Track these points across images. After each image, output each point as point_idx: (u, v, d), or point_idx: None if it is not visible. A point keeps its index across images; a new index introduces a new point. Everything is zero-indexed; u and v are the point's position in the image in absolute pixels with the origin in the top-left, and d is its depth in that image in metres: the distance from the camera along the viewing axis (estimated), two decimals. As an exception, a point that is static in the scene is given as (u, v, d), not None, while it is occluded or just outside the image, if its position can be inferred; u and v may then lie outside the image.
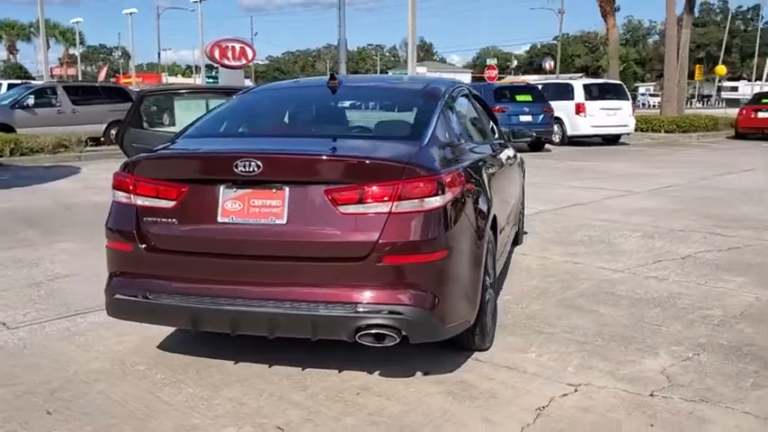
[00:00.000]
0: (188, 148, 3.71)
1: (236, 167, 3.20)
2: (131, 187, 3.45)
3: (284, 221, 3.20)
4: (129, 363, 3.86)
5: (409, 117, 3.97)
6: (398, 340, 3.16)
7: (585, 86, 20.15)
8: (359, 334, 3.14)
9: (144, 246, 3.40)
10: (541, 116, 17.91)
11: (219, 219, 3.28)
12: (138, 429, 3.09)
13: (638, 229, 7.62)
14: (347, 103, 4.39)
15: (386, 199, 3.10)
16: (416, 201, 3.12)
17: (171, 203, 3.36)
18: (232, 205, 3.27)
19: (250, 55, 33.92)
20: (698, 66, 44.08)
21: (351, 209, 3.14)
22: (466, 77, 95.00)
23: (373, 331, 3.12)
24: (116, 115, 17.32)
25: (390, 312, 3.10)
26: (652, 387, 3.51)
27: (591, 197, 10.21)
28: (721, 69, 42.75)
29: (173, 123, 5.81)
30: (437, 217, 3.17)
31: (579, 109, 19.31)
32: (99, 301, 4.84)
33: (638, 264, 6.08)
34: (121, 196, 3.50)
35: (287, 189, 3.21)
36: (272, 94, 4.74)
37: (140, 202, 3.42)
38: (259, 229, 3.23)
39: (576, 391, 3.47)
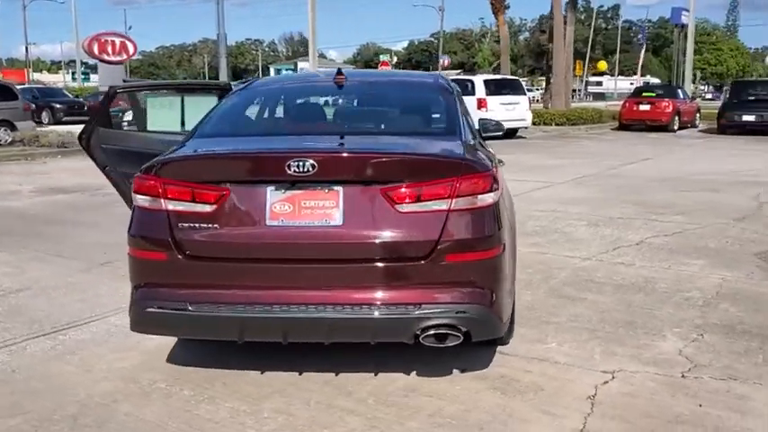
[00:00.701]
0: (225, 149, 3.46)
1: (289, 168, 3.03)
2: (160, 191, 3.18)
3: (340, 222, 3.07)
4: (144, 381, 3.59)
5: (436, 112, 3.92)
6: (461, 339, 3.12)
7: (486, 82, 20.73)
8: (423, 335, 3.07)
9: (182, 253, 3.15)
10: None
11: (268, 222, 3.10)
12: (195, 451, 2.89)
13: (582, 218, 7.94)
14: (365, 99, 4.27)
15: (445, 196, 3.04)
16: (473, 197, 3.09)
17: (211, 207, 3.13)
18: (281, 207, 3.10)
19: (131, 50, 32.40)
20: (578, 61, 46.49)
21: (410, 207, 3.05)
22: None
23: (437, 332, 3.06)
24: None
25: (454, 312, 3.05)
26: (679, 369, 3.66)
27: (517, 189, 10.46)
28: (602, 65, 45.37)
29: (145, 122, 5.44)
30: (491, 213, 3.16)
31: (481, 104, 19.82)
32: (72, 317, 4.54)
33: (600, 251, 6.33)
34: (146, 201, 3.23)
35: (341, 189, 3.07)
36: (282, 89, 4.55)
37: (172, 206, 3.17)
38: (313, 231, 3.08)
39: (613, 378, 3.56)
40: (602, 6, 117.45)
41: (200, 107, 5.01)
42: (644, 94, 24.76)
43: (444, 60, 46.31)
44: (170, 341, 4.04)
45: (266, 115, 4.16)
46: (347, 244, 3.07)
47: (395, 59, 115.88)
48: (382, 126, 3.95)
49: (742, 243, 6.61)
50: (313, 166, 3.01)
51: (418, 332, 3.06)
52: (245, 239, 3.13)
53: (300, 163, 3.02)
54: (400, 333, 3.10)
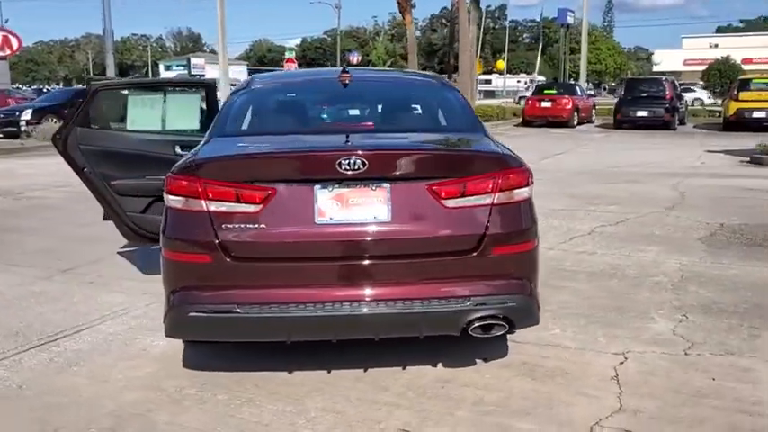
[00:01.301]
0: (269, 148, 3.38)
1: (340, 166, 3.03)
2: (200, 192, 3.10)
3: (388, 219, 3.10)
4: (169, 388, 3.48)
5: (453, 109, 3.99)
6: (507, 329, 3.24)
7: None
8: (471, 327, 3.16)
9: (227, 255, 3.09)
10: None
11: (317, 220, 3.09)
12: (260, 454, 2.85)
13: (528, 211, 8.25)
14: (380, 97, 4.29)
15: (488, 191, 3.15)
16: (512, 192, 3.21)
17: (257, 207, 3.08)
18: (330, 205, 3.10)
19: (15, 45, 30.55)
20: (499, 62, 47.97)
21: (455, 202, 3.13)
22: (241, 70, 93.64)
23: (485, 323, 3.16)
24: None
25: (501, 303, 3.16)
26: (680, 347, 3.94)
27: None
28: (500, 64, 46.90)
29: (124, 122, 5.17)
30: (528, 207, 3.29)
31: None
32: (57, 327, 4.33)
33: (559, 241, 6.63)
34: (184, 202, 3.14)
35: (388, 185, 3.11)
36: (295, 87, 4.49)
37: (215, 207, 3.10)
38: (362, 228, 3.10)
39: (626, 358, 3.78)
40: (489, 6, 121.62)
41: (182, 105, 4.89)
42: (545, 91, 25.90)
43: (354, 57, 46.11)
44: (176, 346, 3.93)
45: (287, 114, 4.11)
46: (396, 240, 3.11)
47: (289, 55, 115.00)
48: (408, 123, 3.98)
49: (683, 230, 7.10)
50: (363, 163, 3.03)
51: (467, 324, 3.14)
52: (294, 238, 3.10)
53: (351, 161, 3.03)
54: (450, 326, 3.18)
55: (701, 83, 46.23)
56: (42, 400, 3.37)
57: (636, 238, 6.77)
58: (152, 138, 4.91)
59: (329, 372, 3.63)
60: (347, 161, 3.03)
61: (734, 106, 22.18)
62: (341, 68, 4.12)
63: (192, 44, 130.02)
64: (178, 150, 4.84)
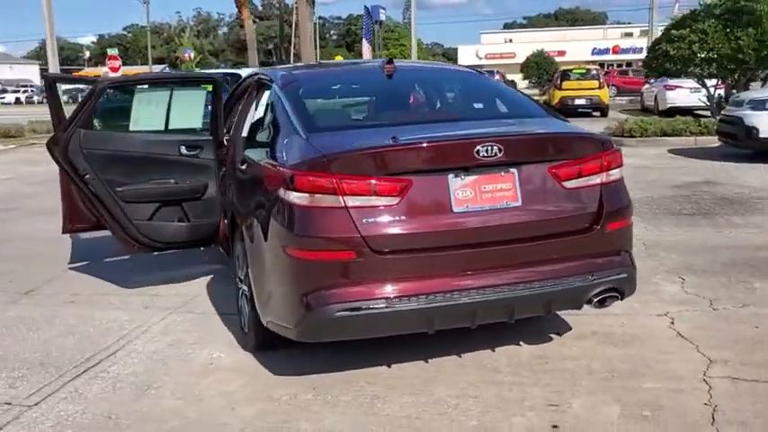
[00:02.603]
0: (404, 138, 3.27)
1: (478, 153, 3.07)
2: (336, 187, 2.98)
3: (519, 203, 3.19)
4: (283, 396, 3.31)
5: (516, 97, 4.11)
6: (618, 299, 3.46)
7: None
8: (593, 301, 3.34)
9: (370, 250, 3.00)
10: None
11: (455, 209, 3.10)
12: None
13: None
14: (445, 87, 4.27)
15: (598, 171, 3.34)
16: (613, 171, 3.42)
17: (395, 200, 3.03)
18: (463, 193, 3.11)
19: None
20: (338, 56, 48.01)
21: (574, 183, 3.29)
22: (33, 71, 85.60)
23: (603, 296, 3.35)
24: None
25: (617, 275, 3.37)
26: (704, 304, 4.40)
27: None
28: (339, 58, 47.21)
29: (127, 122, 4.59)
30: (624, 185, 3.53)
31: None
32: (77, 352, 3.94)
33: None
34: (318, 199, 3.00)
35: (515, 171, 3.19)
36: (349, 80, 4.33)
37: (353, 202, 2.99)
38: (496, 214, 3.16)
39: (671, 319, 4.16)
40: (295, 2, 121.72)
41: (187, 103, 4.59)
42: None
43: (188, 54, 43.77)
44: (243, 356, 3.78)
45: (364, 107, 4.00)
46: (528, 223, 3.21)
47: (87, 54, 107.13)
48: (486, 111, 4.01)
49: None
50: (499, 149, 3.09)
51: (589, 299, 3.32)
52: (435, 228, 3.09)
53: (488, 148, 3.08)
54: (576, 301, 3.34)
55: (520, 74, 49.61)
56: (152, 427, 3.07)
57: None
58: (157, 138, 4.53)
59: (427, 361, 3.64)
60: (485, 148, 3.07)
61: (558, 95, 24.18)
62: (383, 60, 4.09)
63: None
64: (183, 151, 4.53)
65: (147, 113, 4.54)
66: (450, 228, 3.11)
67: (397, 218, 3.03)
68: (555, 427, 2.96)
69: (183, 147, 4.51)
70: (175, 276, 5.29)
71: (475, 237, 3.14)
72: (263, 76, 4.35)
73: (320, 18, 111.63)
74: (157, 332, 4.22)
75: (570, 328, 4.04)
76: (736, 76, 14.43)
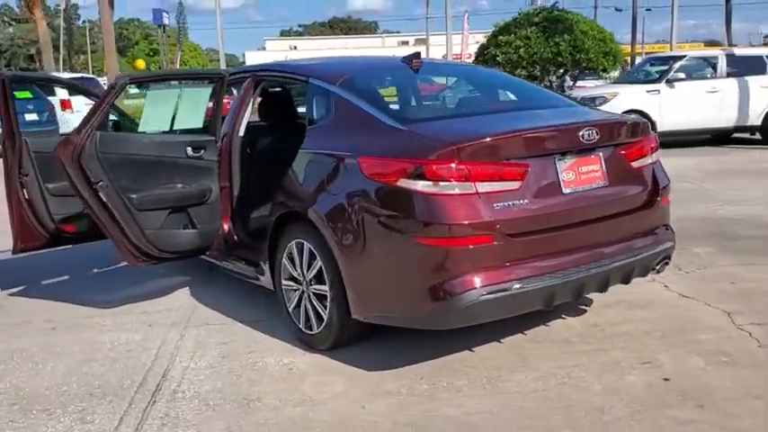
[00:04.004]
0: (515, 126, 3.32)
1: (582, 137, 3.31)
2: (468, 174, 3.05)
3: (606, 183, 3.48)
4: (401, 390, 3.30)
5: (539, 89, 4.37)
6: (667, 265, 3.88)
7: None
8: (655, 268, 3.73)
9: (501, 234, 3.11)
10: (46, 114, 16.15)
11: (564, 190, 3.31)
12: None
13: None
14: (488, 81, 4.40)
15: (649, 152, 3.74)
16: (656, 152, 3.85)
17: (518, 184, 3.16)
18: (567, 176, 3.33)
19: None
20: (139, 61, 44.84)
21: (638, 163, 3.66)
22: None
23: (662, 264, 3.76)
24: None
25: (669, 245, 3.77)
26: (674, 270, 4.97)
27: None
28: (141, 63, 44.15)
29: (136, 122, 3.94)
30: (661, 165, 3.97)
31: (65, 105, 18.06)
32: (127, 377, 3.63)
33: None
34: (451, 186, 3.05)
35: (600, 153, 3.48)
36: (391, 73, 4.26)
37: (483, 188, 3.09)
38: (593, 193, 3.42)
39: (664, 283, 4.71)
40: (58, 5, 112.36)
41: (194, 101, 4.34)
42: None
43: None
44: (316, 357, 3.69)
45: (434, 98, 3.99)
46: (614, 200, 3.51)
47: None
48: (537, 101, 4.17)
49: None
50: (597, 133, 3.37)
51: (655, 266, 3.71)
52: (551, 209, 3.27)
53: (589, 132, 3.34)
54: (646, 270, 3.68)
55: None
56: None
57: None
58: (165, 139, 4.16)
59: (500, 341, 3.81)
60: (588, 132, 3.33)
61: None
62: (411, 56, 4.17)
63: None
64: (189, 152, 4.25)
65: (156, 113, 4.16)
66: (562, 208, 3.33)
67: (520, 201, 3.18)
68: (666, 379, 3.30)
69: (190, 148, 4.21)
70: (142, 292, 4.94)
71: (579, 216, 3.39)
72: (285, 74, 4.24)
73: (89, 21, 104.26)
74: (192, 347, 3.93)
75: (591, 300, 4.42)
76: (551, 77, 16.14)
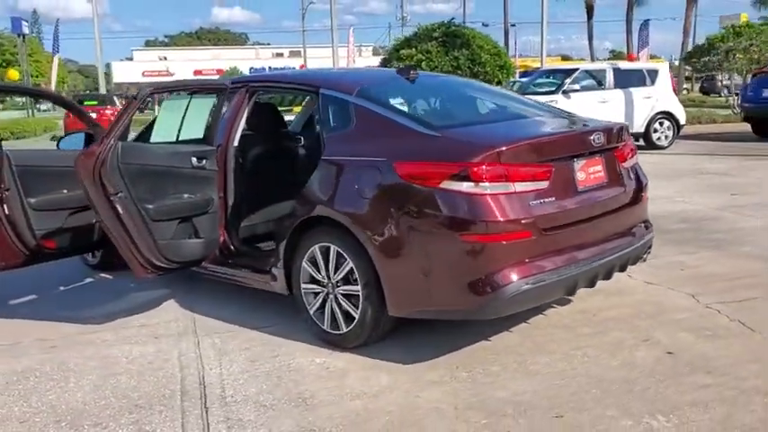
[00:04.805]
0: (541, 131, 3.61)
1: (593, 141, 3.71)
2: (508, 175, 3.35)
3: (606, 182, 3.89)
4: (442, 378, 3.55)
5: (526, 99, 4.73)
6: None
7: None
8: (643, 257, 4.18)
9: (538, 229, 3.42)
10: None
11: (579, 189, 3.69)
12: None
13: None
14: (471, 92, 4.66)
15: (632, 153, 4.22)
16: (635, 153, 4.33)
17: (546, 183, 3.49)
18: (580, 176, 3.71)
19: None
20: (12, 71, 41.24)
21: (627, 164, 4.11)
22: None
23: (646, 254, 4.22)
24: None
25: (651, 237, 4.24)
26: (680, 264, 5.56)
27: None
28: (14, 74, 40.85)
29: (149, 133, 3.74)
30: None
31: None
32: (160, 388, 3.75)
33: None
34: (495, 187, 3.33)
35: (601, 155, 3.90)
36: (398, 84, 4.40)
37: (520, 188, 3.40)
38: (601, 191, 3.83)
39: (628, 273, 5.23)
40: None
41: (200, 111, 4.39)
42: (87, 102, 24.57)
43: None
44: (346, 354, 3.85)
45: (450, 108, 4.22)
46: (613, 197, 3.93)
47: None
48: (537, 109, 4.49)
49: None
50: (605, 137, 3.78)
51: (641, 255, 4.17)
52: (572, 206, 3.63)
53: (597, 136, 3.75)
54: (637, 259, 4.11)
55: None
56: (374, 427, 3.09)
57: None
58: (175, 150, 4.15)
59: (510, 331, 4.13)
60: (597, 137, 3.74)
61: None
62: (406, 68, 4.43)
63: None
64: (194, 162, 4.28)
65: (167, 123, 4.15)
66: (579, 205, 3.71)
67: (549, 199, 3.53)
68: (670, 353, 3.75)
69: (194, 158, 4.24)
70: (126, 306, 4.88)
71: (591, 211, 3.78)
72: (286, 84, 4.39)
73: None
74: (214, 355, 3.96)
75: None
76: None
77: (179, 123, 4.22)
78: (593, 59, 38.77)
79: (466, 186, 3.35)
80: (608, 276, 3.90)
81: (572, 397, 3.28)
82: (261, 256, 4.41)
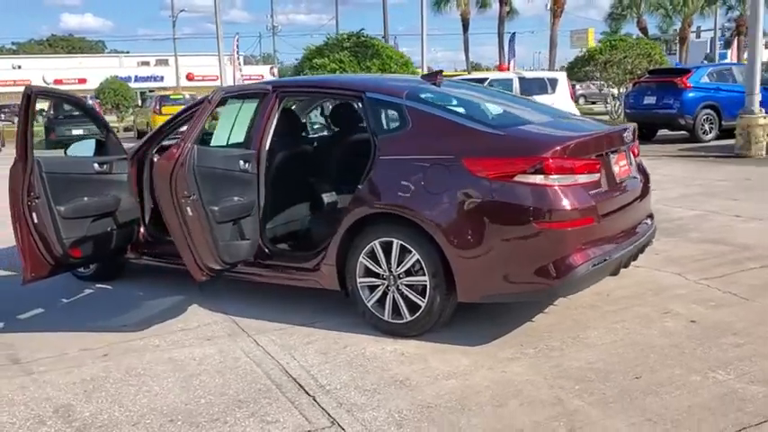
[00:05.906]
0: (585, 130, 4.02)
1: (625, 138, 4.22)
2: (574, 168, 3.76)
3: (632, 175, 4.42)
4: (515, 355, 3.88)
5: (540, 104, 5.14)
6: None
7: None
8: (651, 242, 4.73)
9: (599, 215, 3.85)
10: None
11: (617, 180, 4.16)
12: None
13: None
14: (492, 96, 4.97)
15: (638, 150, 4.77)
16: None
17: (597, 176, 3.94)
18: (616, 168, 4.20)
19: None
20: None
21: (638, 159, 4.67)
22: None
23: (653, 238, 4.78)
24: None
25: (655, 224, 4.84)
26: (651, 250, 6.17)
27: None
28: None
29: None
30: None
31: None
32: (253, 383, 4.07)
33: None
34: (564, 179, 3.72)
35: (627, 150, 4.41)
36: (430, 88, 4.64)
37: (582, 179, 3.81)
38: (630, 182, 4.34)
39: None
40: None
41: (247, 116, 4.50)
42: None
43: None
44: (408, 342, 4.08)
45: (491, 109, 4.50)
46: (636, 188, 4.45)
47: None
48: (560, 113, 4.92)
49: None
50: (633, 133, 4.30)
51: (651, 240, 4.71)
52: (614, 195, 4.11)
53: (627, 134, 4.26)
54: (649, 243, 4.65)
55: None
56: (496, 393, 3.38)
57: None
58: (229, 153, 4.21)
59: (545, 312, 4.55)
60: (627, 134, 4.25)
61: (159, 119, 24.41)
62: (433, 73, 4.75)
63: None
64: (242, 165, 4.39)
65: (224, 127, 4.19)
66: (620, 193, 4.21)
67: (602, 189, 3.99)
68: (693, 321, 4.30)
69: (242, 161, 4.34)
70: (158, 312, 4.87)
71: (627, 199, 4.29)
72: (325, 89, 4.61)
73: None
74: (281, 351, 4.08)
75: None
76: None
77: (230, 128, 4.29)
78: (468, 71, 40.50)
79: (539, 179, 3.72)
80: (635, 258, 4.41)
81: (637, 361, 3.73)
82: (303, 255, 4.55)
